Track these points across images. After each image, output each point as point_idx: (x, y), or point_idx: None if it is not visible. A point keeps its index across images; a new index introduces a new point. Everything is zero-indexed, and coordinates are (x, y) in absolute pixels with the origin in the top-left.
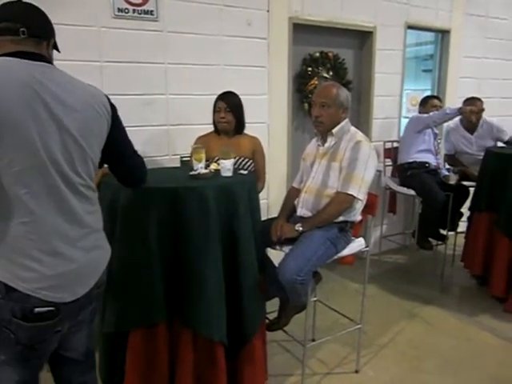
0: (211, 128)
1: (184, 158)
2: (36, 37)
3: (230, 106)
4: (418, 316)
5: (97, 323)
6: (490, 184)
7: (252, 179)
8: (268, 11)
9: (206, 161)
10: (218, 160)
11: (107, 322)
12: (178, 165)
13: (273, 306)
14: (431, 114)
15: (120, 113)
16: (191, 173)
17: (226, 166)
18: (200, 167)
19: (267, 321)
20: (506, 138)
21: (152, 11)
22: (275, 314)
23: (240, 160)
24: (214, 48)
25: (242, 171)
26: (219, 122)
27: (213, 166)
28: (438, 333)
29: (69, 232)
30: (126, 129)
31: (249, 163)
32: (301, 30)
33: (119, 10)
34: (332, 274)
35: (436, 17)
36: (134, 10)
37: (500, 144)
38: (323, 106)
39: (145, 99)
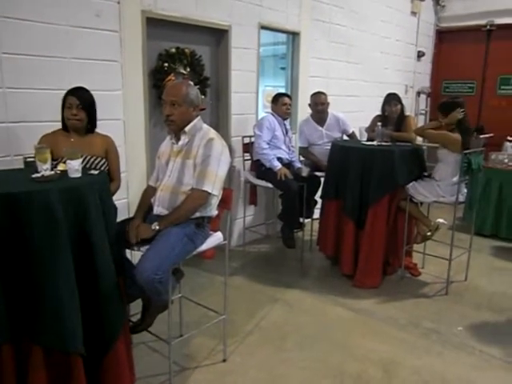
0: (61, 125)
1: (29, 159)
2: None
3: (82, 103)
4: (280, 300)
5: None
6: (336, 174)
7: (103, 179)
8: (118, 3)
9: (54, 161)
10: (65, 160)
11: None
12: (22, 166)
13: (137, 308)
14: (263, 147)
15: None
16: (34, 175)
17: (74, 167)
18: (45, 169)
19: (131, 323)
20: (350, 132)
21: None
22: (139, 316)
23: (92, 159)
24: (59, 39)
25: (92, 171)
26: (70, 120)
27: (60, 167)
28: (298, 313)
29: None
30: None
31: (102, 162)
32: (155, 24)
33: None
34: (198, 270)
35: (287, 20)
36: None
37: (345, 137)
38: (173, 104)
39: None
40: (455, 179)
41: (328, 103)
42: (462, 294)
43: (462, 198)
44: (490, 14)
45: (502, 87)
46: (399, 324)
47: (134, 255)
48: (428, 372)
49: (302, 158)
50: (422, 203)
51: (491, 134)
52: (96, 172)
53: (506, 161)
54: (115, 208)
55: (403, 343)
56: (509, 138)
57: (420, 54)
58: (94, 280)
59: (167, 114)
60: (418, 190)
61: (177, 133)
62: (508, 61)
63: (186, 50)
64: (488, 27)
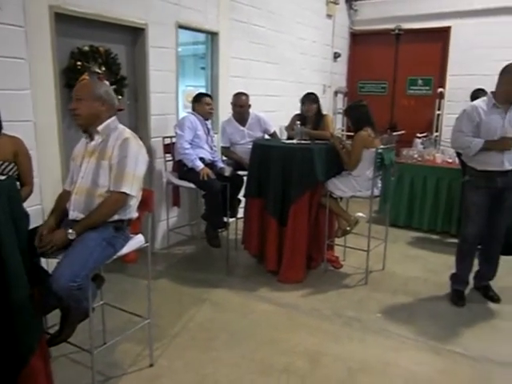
0: None
1: None
2: None
3: None
4: (207, 300)
5: None
6: (258, 173)
7: (12, 185)
8: None
9: None
10: None
11: None
12: None
13: (55, 319)
14: (185, 147)
15: None
16: None
17: None
18: None
19: (48, 335)
20: (272, 131)
21: None
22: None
23: None
24: None
25: None
26: None
27: None
28: (225, 312)
29: None
30: None
31: (10, 167)
32: (66, 20)
33: None
34: (121, 275)
35: (205, 19)
36: None
37: (267, 136)
38: (78, 99)
39: None
40: (370, 174)
41: (249, 105)
42: (380, 282)
43: (377, 192)
44: (397, 18)
45: (411, 87)
46: (323, 315)
47: (50, 263)
48: (350, 358)
49: (224, 158)
50: (341, 198)
51: (403, 131)
52: (3, 177)
53: (416, 156)
54: (27, 215)
55: (327, 333)
56: (418, 135)
57: (336, 55)
58: (6, 291)
59: (71, 107)
60: (337, 186)
61: (87, 129)
62: (415, 63)
63: (101, 49)
64: (396, 31)
